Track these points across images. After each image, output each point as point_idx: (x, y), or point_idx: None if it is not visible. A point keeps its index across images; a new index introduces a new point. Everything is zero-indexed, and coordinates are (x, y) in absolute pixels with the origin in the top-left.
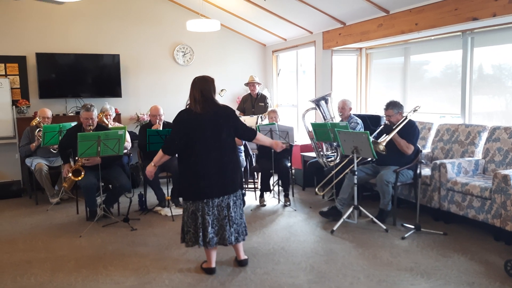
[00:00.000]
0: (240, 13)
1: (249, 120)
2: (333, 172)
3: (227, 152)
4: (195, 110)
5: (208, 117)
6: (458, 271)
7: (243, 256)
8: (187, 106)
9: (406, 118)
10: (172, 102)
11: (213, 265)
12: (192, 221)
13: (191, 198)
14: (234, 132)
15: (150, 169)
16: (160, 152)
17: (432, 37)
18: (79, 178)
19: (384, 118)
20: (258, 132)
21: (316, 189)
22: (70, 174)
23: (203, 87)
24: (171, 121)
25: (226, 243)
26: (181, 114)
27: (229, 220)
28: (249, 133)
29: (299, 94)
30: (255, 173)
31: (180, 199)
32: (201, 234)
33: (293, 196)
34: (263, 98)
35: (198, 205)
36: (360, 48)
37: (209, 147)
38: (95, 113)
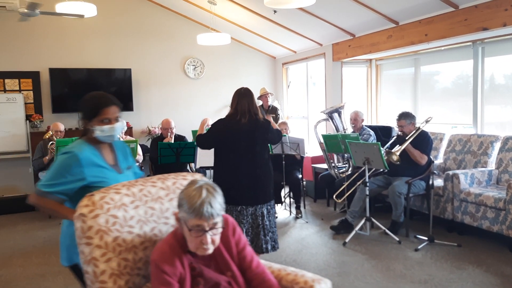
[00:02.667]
0: (250, 27)
1: None
2: (346, 184)
3: (260, 164)
4: (230, 118)
5: (245, 128)
6: (473, 284)
7: None
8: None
9: (419, 128)
10: (183, 115)
11: None
12: None
13: (226, 203)
14: (269, 143)
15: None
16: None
17: (442, 48)
18: None
19: (396, 129)
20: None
21: (334, 196)
22: None
23: (250, 99)
24: (182, 134)
25: (262, 251)
26: (219, 123)
27: (263, 229)
28: (276, 137)
29: (310, 106)
30: None
31: None
32: None
33: (304, 208)
34: (274, 109)
35: (233, 213)
36: (370, 60)
37: (242, 158)
38: None
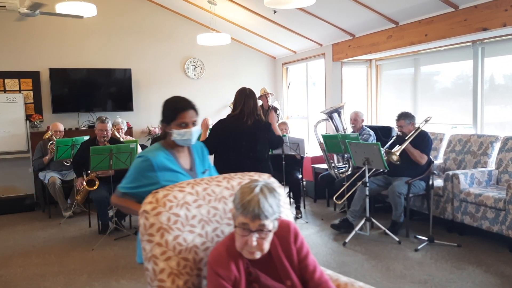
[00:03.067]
0: (250, 27)
1: None
2: (346, 184)
3: (260, 163)
4: (233, 118)
5: (248, 129)
6: (473, 284)
7: None
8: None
9: (418, 128)
10: None
11: None
12: None
13: None
14: (268, 144)
15: None
16: None
17: (442, 48)
18: (94, 188)
19: (395, 129)
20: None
21: (334, 198)
22: (84, 183)
23: (255, 102)
24: None
25: None
26: (221, 122)
27: None
28: (277, 143)
29: (309, 106)
30: None
31: None
32: None
33: (304, 208)
34: (274, 109)
35: None
36: (370, 60)
37: (244, 156)
38: (109, 125)
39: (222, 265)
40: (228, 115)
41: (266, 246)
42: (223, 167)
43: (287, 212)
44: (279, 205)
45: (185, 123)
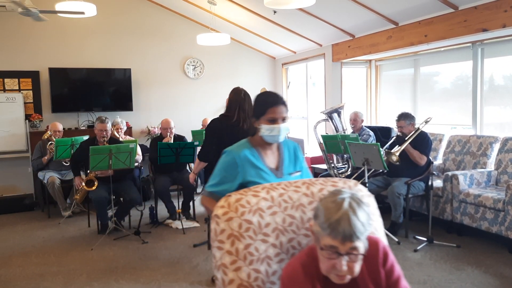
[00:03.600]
0: (249, 27)
1: None
2: None
3: None
4: (227, 118)
5: (241, 128)
6: (472, 285)
7: None
8: (223, 114)
9: (418, 129)
10: (182, 115)
11: None
12: None
13: None
14: None
15: (192, 176)
16: (197, 160)
17: (442, 49)
18: (92, 188)
19: (395, 129)
20: None
21: None
22: (83, 184)
23: (241, 101)
24: (182, 134)
25: None
26: (213, 122)
27: None
28: None
29: (309, 106)
30: None
31: (191, 211)
32: None
33: None
34: None
35: None
36: (370, 60)
37: None
38: (109, 125)
39: (297, 284)
40: (222, 115)
41: (357, 269)
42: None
43: (376, 224)
44: (369, 219)
45: (273, 119)
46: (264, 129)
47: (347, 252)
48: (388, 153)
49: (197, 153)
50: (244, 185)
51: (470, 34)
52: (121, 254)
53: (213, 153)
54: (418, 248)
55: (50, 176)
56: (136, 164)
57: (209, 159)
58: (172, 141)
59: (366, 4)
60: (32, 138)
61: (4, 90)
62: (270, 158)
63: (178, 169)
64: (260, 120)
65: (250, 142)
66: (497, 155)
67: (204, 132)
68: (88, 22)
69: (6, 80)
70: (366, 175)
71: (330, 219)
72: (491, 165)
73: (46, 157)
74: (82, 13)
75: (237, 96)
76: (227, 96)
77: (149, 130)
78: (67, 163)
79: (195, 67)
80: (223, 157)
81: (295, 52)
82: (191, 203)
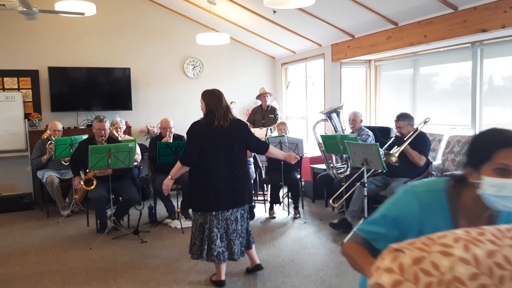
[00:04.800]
0: (249, 27)
1: (258, 132)
2: (345, 185)
3: (237, 165)
4: (209, 123)
5: (221, 130)
6: None
7: (258, 261)
8: (202, 118)
9: (417, 130)
10: (182, 115)
11: (223, 277)
12: (199, 233)
13: (200, 209)
14: (246, 145)
15: (168, 182)
16: (178, 164)
17: (441, 49)
18: (91, 187)
19: (394, 130)
20: (270, 145)
21: (331, 201)
22: (82, 182)
23: (219, 101)
24: (181, 133)
25: (235, 257)
26: (195, 126)
27: (237, 234)
28: (261, 147)
29: (308, 106)
30: (265, 185)
31: (190, 210)
32: (206, 247)
33: (303, 208)
34: (273, 110)
35: (207, 218)
36: (369, 60)
37: (220, 160)
38: (107, 124)
39: None
40: (204, 119)
41: None
42: (200, 172)
43: None
44: None
45: (506, 169)
46: (489, 185)
47: None
48: (387, 154)
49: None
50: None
51: (469, 34)
52: (120, 253)
53: (197, 157)
54: None
55: (49, 175)
56: (135, 163)
57: (193, 164)
58: (171, 141)
59: (365, 4)
60: (31, 137)
61: (3, 89)
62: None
63: None
64: (481, 170)
65: (449, 195)
66: None
67: None
68: (88, 21)
69: (5, 79)
70: (365, 175)
71: None
72: None
73: (45, 157)
74: (82, 14)
75: (213, 97)
76: (226, 96)
77: (148, 129)
78: (66, 162)
79: (194, 67)
80: (402, 195)
81: (294, 52)
82: None
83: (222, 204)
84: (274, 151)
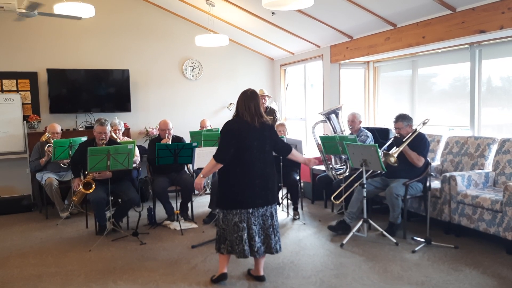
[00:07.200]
0: (248, 28)
1: None
2: (343, 185)
3: (269, 164)
4: (244, 121)
5: (256, 128)
6: (470, 285)
7: (262, 272)
8: (234, 116)
9: (415, 131)
10: (181, 116)
11: (225, 270)
12: (234, 232)
13: (236, 207)
14: (274, 146)
15: (199, 181)
16: (212, 161)
17: (440, 50)
18: (90, 191)
19: (393, 131)
20: (293, 148)
21: (332, 198)
22: (80, 187)
23: (256, 101)
24: (180, 135)
25: (273, 251)
26: (230, 123)
27: (273, 229)
28: (286, 149)
29: (307, 107)
30: None
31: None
32: (247, 246)
33: (302, 209)
34: (272, 111)
35: (243, 216)
36: (368, 62)
37: (255, 158)
38: (108, 127)
39: None
40: (235, 117)
41: None
42: (236, 169)
43: None
44: None
45: None
46: None
47: None
48: (386, 155)
49: (213, 154)
50: None
51: (467, 35)
52: (119, 255)
53: (231, 155)
54: (416, 249)
55: (48, 177)
56: (134, 165)
57: (227, 161)
58: (170, 142)
59: (364, 5)
60: (30, 139)
61: (2, 91)
62: None
63: (176, 170)
64: None
65: None
66: (495, 156)
67: (202, 133)
68: (87, 23)
69: (4, 81)
70: (364, 176)
71: None
72: (488, 166)
73: (43, 159)
74: (79, 18)
75: (243, 97)
76: (225, 97)
77: (147, 131)
78: (65, 164)
79: (193, 68)
80: None
81: (293, 53)
82: (189, 204)
83: (257, 201)
84: (296, 154)
